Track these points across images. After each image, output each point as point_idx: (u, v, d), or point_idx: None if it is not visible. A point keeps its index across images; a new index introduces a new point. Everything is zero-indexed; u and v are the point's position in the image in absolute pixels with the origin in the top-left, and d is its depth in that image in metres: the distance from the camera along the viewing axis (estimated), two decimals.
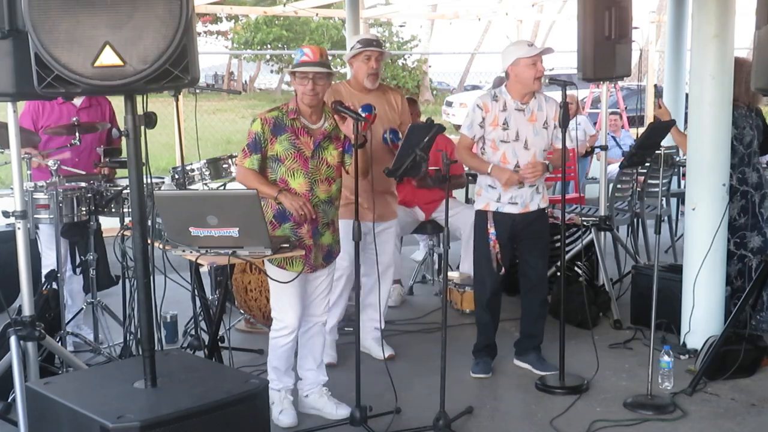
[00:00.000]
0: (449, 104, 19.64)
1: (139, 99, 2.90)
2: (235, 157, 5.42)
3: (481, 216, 4.65)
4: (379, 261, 4.53)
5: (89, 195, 4.65)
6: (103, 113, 5.35)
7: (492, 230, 4.58)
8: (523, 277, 4.79)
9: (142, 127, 2.89)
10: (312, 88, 3.87)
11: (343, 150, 4.05)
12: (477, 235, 4.70)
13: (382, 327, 4.89)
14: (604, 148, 6.03)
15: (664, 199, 7.05)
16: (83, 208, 4.64)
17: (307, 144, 3.94)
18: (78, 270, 5.07)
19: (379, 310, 4.73)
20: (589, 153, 8.43)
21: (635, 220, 7.00)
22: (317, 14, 12.62)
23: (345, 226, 4.28)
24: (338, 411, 4.13)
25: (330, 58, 4.30)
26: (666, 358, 4.47)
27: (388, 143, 4.73)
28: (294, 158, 3.91)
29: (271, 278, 3.93)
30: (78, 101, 5.23)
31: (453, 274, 6.09)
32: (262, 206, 3.55)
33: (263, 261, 3.91)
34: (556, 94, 4.53)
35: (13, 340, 3.68)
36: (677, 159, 7.41)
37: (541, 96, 4.61)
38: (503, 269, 4.62)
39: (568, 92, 4.34)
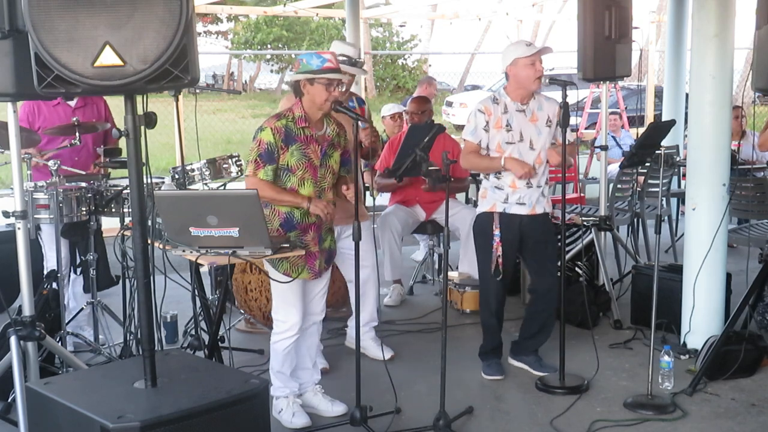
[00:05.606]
0: (449, 104, 19.60)
1: (139, 99, 2.90)
2: (236, 157, 5.42)
3: (485, 218, 4.56)
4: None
5: (89, 195, 4.64)
6: (99, 111, 5.34)
7: (496, 231, 4.51)
8: (532, 287, 4.76)
9: (142, 127, 2.89)
10: (334, 94, 3.86)
11: (344, 159, 4.07)
12: (481, 238, 4.60)
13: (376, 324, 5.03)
14: (604, 148, 6.03)
15: (664, 199, 7.04)
16: (83, 208, 4.63)
17: (316, 152, 3.92)
18: (78, 270, 5.07)
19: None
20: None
21: (635, 220, 7.00)
22: (317, 14, 12.59)
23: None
24: (334, 408, 4.15)
25: None
26: (666, 358, 4.47)
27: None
28: (305, 168, 3.90)
29: (272, 279, 3.93)
30: (72, 101, 5.20)
31: (453, 274, 6.08)
32: (262, 206, 3.55)
33: (263, 262, 3.92)
34: (557, 94, 4.52)
35: (13, 340, 3.69)
36: (677, 159, 7.40)
37: (540, 96, 4.58)
38: (500, 274, 4.52)
39: None
